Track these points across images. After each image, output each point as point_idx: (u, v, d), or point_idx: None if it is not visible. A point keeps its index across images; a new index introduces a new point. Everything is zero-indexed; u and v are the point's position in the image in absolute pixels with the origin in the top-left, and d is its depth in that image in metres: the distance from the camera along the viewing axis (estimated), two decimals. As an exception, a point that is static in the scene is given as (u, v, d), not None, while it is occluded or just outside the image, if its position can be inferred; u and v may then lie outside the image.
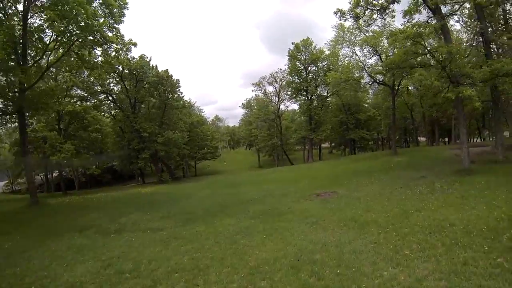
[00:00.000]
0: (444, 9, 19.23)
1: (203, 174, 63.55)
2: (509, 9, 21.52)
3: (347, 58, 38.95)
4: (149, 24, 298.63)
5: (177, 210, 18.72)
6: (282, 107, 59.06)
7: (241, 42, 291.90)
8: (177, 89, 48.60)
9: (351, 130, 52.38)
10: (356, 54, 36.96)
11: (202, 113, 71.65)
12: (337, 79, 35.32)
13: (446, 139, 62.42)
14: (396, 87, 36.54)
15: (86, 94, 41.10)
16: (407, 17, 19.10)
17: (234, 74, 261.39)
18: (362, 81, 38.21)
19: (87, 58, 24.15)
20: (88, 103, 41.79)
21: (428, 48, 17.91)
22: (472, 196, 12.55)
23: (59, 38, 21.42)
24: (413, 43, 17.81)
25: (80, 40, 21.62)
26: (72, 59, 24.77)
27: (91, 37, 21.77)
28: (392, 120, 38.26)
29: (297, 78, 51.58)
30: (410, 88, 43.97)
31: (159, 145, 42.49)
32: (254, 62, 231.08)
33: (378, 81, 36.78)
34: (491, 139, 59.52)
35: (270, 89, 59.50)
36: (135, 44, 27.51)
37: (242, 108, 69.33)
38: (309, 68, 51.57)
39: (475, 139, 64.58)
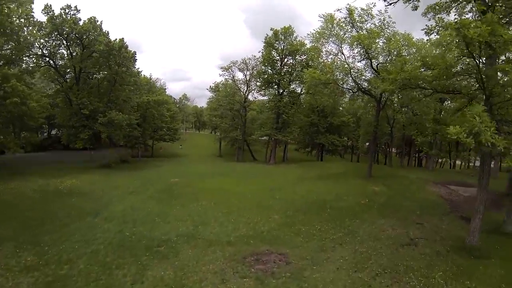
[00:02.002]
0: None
1: (159, 155, 59.12)
2: None
3: (330, 56, 32.92)
4: None
5: (58, 249, 14.12)
6: (250, 97, 52.25)
7: (224, 23, 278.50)
8: (131, 63, 41.15)
9: (322, 134, 47.85)
10: (343, 54, 30.97)
11: (165, 89, 63.63)
12: (315, 79, 28.94)
13: (416, 155, 58.17)
14: (384, 100, 30.73)
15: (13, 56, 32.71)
16: (429, 15, 12.83)
17: (213, 54, 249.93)
18: (344, 86, 32.06)
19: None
20: (16, 68, 33.89)
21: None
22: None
23: None
24: (462, 51, 11.20)
25: None
26: None
27: None
28: (372, 137, 32.75)
29: (270, 69, 45.08)
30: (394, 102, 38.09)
31: (101, 126, 36.19)
32: (235, 45, 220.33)
33: (363, 89, 30.79)
34: (463, 164, 56.03)
35: (240, 75, 52.54)
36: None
37: (209, 91, 61.41)
38: (285, 59, 45.13)
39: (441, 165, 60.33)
